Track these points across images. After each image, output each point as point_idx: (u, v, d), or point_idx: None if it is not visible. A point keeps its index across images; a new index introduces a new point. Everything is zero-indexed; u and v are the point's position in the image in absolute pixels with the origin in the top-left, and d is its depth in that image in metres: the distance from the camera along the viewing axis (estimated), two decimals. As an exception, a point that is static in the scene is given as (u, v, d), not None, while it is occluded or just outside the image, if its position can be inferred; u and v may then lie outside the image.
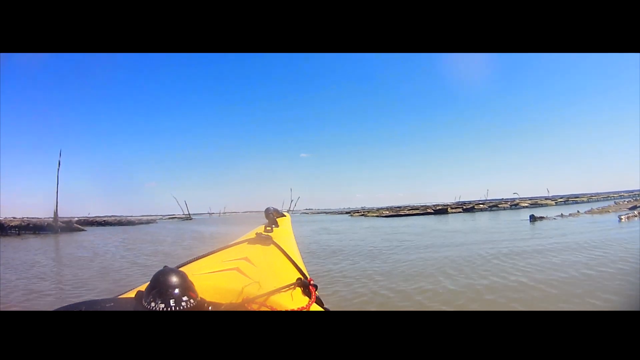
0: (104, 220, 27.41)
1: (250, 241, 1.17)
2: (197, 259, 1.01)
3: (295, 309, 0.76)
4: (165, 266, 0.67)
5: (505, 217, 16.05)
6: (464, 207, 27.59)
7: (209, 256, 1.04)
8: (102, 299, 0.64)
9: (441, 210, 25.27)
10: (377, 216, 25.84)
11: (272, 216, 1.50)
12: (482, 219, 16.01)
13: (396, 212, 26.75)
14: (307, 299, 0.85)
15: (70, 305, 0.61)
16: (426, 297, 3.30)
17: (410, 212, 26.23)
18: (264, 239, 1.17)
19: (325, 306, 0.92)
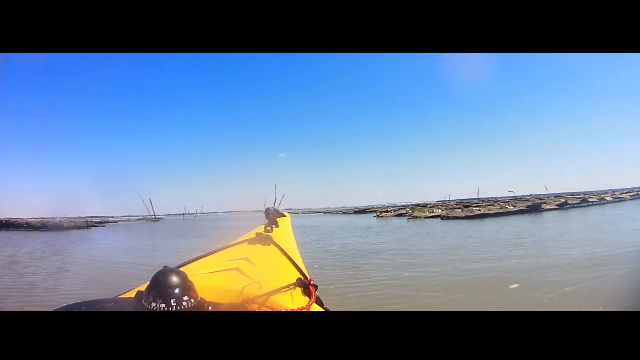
0: (26, 223, 22.79)
1: (250, 241, 1.17)
2: (197, 259, 1.01)
3: (295, 309, 0.76)
4: (165, 266, 0.67)
5: None
6: (556, 203, 22.10)
7: (209, 256, 1.04)
8: (102, 299, 0.64)
9: (534, 207, 19.98)
10: (430, 217, 18.78)
11: (272, 216, 1.50)
12: None
13: (469, 212, 18.65)
14: (307, 299, 0.85)
15: (70, 305, 0.61)
16: None
17: (487, 211, 19.04)
18: (264, 239, 1.17)
19: (325, 306, 0.92)
